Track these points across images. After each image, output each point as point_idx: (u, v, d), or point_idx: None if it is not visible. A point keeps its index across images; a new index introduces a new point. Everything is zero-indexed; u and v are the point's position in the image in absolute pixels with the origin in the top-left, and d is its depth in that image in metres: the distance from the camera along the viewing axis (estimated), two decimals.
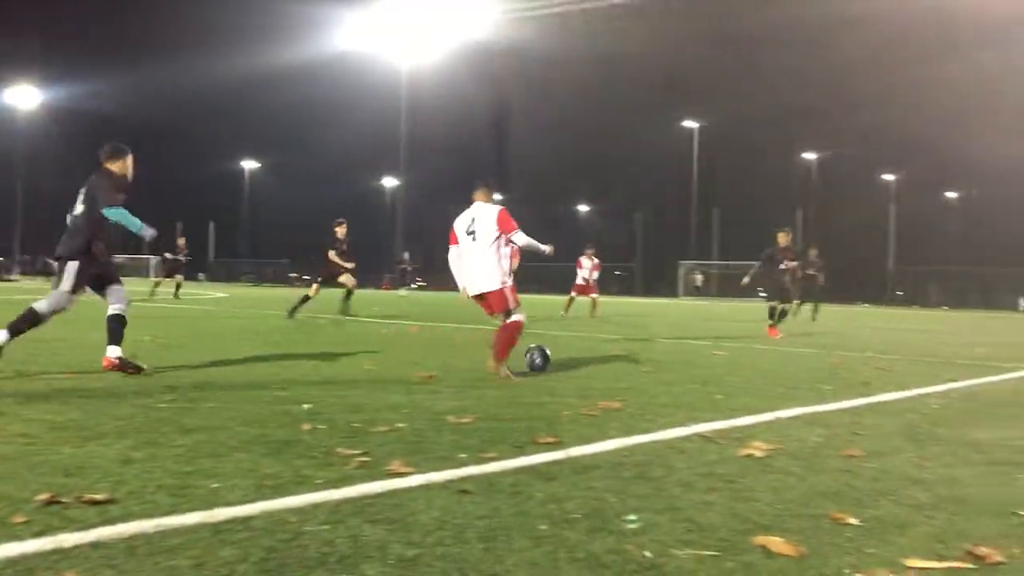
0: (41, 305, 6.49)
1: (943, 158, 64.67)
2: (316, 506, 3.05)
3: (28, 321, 6.46)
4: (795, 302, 16.03)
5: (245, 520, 2.84)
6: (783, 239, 15.20)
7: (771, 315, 14.84)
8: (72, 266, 6.54)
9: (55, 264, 6.78)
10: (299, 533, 2.73)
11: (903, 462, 4.19)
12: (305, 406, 5.24)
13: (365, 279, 24.74)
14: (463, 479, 3.54)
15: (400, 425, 4.70)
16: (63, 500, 2.97)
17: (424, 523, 2.89)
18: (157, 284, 24.13)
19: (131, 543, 2.57)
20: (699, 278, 60.24)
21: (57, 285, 6.59)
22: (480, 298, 7.56)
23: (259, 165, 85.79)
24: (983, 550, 2.76)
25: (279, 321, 14.55)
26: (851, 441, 4.67)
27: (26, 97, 66.89)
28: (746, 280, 16.07)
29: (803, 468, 3.96)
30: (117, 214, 6.53)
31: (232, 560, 2.46)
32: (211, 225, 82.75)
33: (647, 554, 2.65)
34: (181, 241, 24.16)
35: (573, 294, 20.57)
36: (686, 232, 68.16)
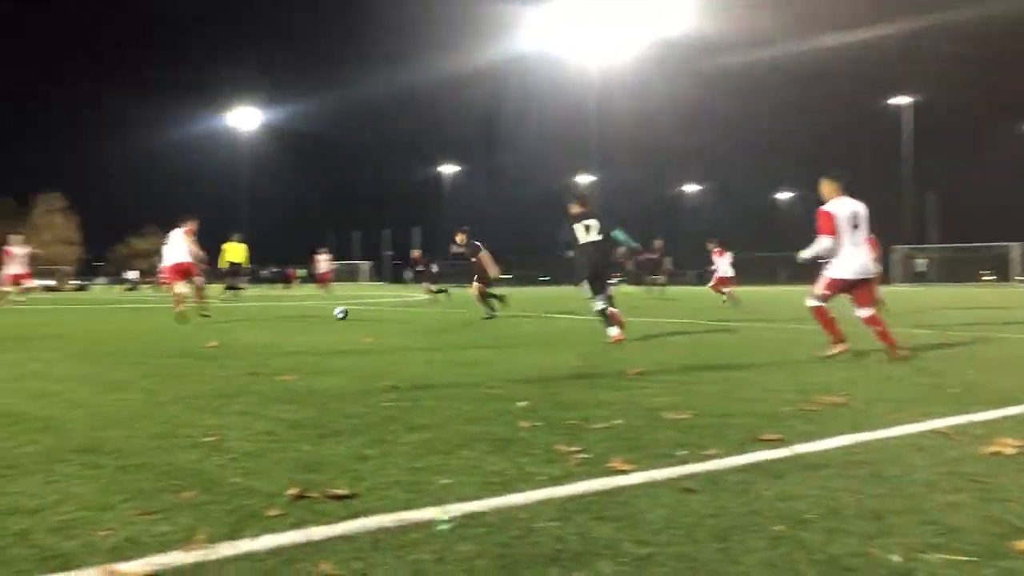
0: (600, 304, 10.23)
1: None
2: (543, 503, 3.09)
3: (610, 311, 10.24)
4: None
5: (478, 516, 2.93)
6: None
7: None
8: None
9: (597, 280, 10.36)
10: (530, 529, 2.78)
11: None
12: (520, 403, 5.34)
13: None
14: (686, 477, 3.48)
15: (616, 421, 4.70)
16: (310, 495, 3.18)
17: (652, 521, 2.87)
18: (442, 291, 25.28)
19: (376, 537, 2.71)
20: (922, 262, 56.77)
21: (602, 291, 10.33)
22: (861, 283, 8.24)
23: (458, 169, 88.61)
24: None
25: (484, 320, 14.92)
26: None
27: (248, 118, 72.50)
28: None
29: None
30: (620, 234, 10.37)
31: (471, 555, 2.53)
32: (415, 230, 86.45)
33: (895, 558, 2.50)
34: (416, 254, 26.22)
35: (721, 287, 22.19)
36: (897, 216, 64.27)
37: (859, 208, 8.30)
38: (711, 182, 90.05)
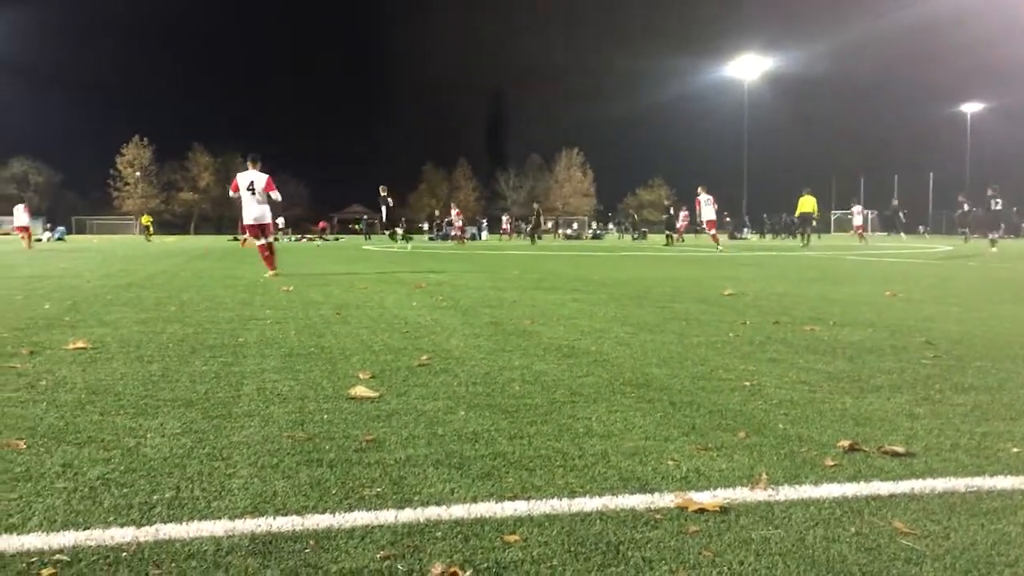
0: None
1: None
2: None
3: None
4: None
5: None
6: None
7: None
8: None
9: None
10: None
11: None
12: None
13: None
14: None
15: None
16: (863, 448, 3.10)
17: None
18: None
19: (947, 500, 2.56)
20: None
21: None
22: (260, 226, 13.35)
23: (983, 107, 79.40)
24: None
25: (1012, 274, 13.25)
26: None
27: (750, 67, 72.47)
28: None
29: None
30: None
31: None
32: (930, 176, 79.63)
33: None
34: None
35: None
36: None
37: (255, 177, 13.09)
38: None
